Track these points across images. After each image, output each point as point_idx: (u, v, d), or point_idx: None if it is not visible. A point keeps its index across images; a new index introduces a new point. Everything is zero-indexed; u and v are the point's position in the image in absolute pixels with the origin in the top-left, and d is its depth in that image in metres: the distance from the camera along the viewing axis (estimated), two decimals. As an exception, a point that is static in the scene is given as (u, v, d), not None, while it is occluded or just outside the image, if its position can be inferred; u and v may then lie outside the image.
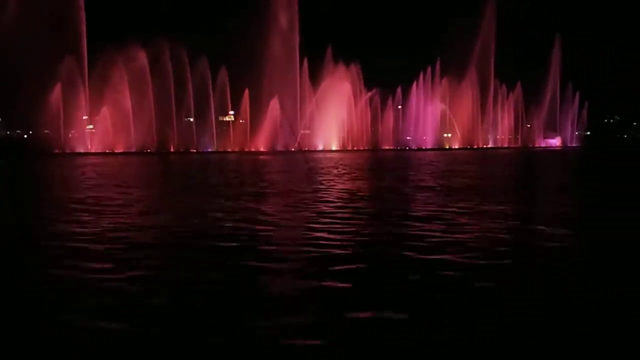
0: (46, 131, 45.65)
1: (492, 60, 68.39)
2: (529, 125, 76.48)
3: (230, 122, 57.14)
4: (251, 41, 52.84)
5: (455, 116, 67.98)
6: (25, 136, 52.88)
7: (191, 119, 54.48)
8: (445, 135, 68.70)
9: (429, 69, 65.08)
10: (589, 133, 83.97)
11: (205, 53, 51.07)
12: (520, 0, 77.52)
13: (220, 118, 55.88)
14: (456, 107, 67.66)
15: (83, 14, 47.25)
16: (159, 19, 49.72)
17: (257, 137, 55.53)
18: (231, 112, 55.63)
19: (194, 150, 53.24)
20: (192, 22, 52.76)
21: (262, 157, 42.05)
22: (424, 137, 67.82)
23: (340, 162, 30.12)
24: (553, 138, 77.47)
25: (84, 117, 46.08)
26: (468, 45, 65.78)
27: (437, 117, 66.63)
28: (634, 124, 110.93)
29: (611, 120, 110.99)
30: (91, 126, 49.31)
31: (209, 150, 54.15)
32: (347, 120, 59.90)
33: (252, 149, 54.70)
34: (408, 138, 67.15)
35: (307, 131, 59.59)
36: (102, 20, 48.78)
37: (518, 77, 72.05)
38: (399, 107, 65.11)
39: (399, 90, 64.19)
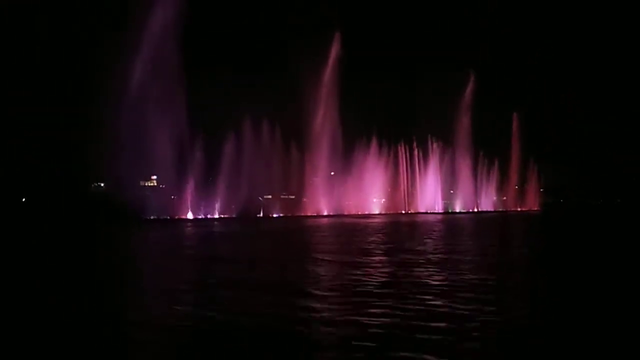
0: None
1: (471, 138, 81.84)
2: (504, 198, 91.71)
3: (152, 187, 57.58)
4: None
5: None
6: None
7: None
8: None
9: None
10: (505, 198, 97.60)
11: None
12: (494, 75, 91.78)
13: (142, 183, 56.19)
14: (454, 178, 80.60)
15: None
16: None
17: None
18: (153, 177, 56.90)
19: (273, 215, 59.07)
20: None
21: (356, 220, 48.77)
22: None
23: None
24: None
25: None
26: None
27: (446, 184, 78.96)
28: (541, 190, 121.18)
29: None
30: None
31: (279, 215, 59.85)
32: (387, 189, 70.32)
33: (321, 214, 61.58)
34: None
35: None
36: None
37: (496, 153, 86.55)
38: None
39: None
